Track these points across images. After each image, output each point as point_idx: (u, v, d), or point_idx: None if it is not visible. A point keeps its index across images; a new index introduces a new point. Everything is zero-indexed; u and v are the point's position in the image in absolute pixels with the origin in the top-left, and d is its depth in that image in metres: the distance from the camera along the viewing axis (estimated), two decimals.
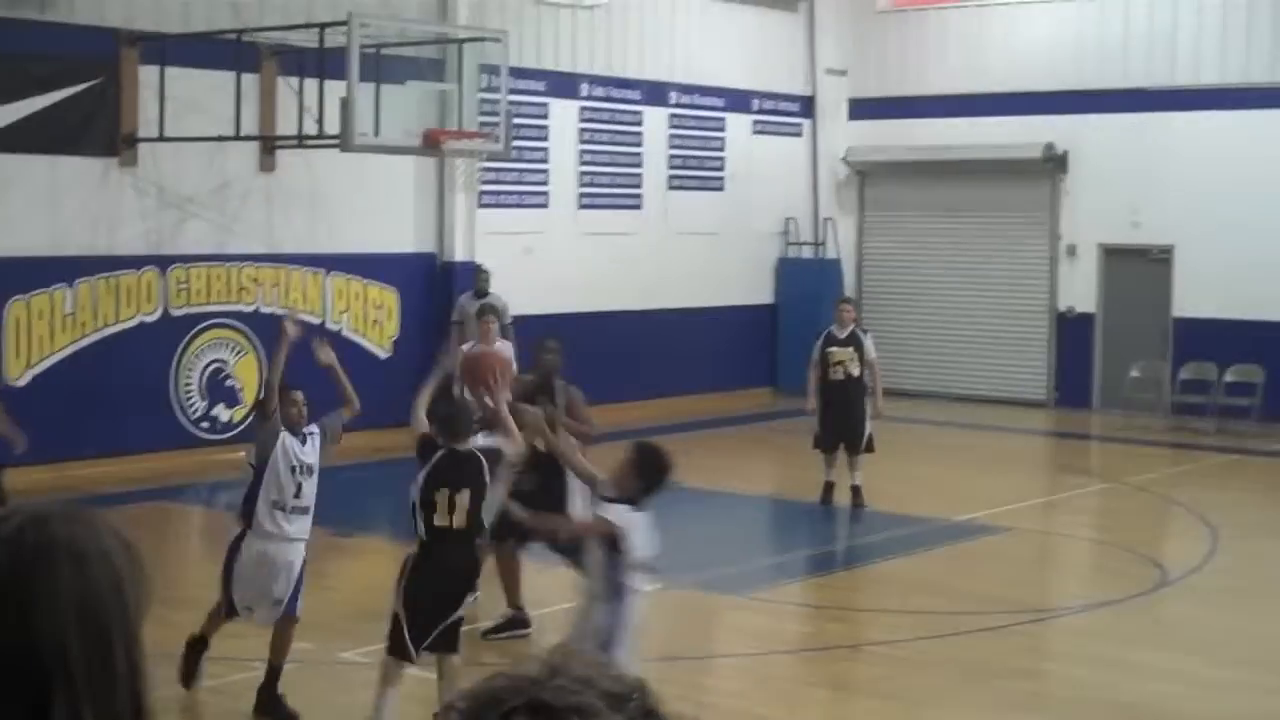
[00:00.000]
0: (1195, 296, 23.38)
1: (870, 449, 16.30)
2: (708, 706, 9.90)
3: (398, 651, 8.92)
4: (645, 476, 8.24)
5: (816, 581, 13.94)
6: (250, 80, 17.72)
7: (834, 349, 16.30)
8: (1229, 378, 22.59)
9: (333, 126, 16.06)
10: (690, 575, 13.27)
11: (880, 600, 12.99)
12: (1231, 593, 13.14)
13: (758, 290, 25.56)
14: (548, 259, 21.77)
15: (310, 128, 16.71)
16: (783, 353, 25.72)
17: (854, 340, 16.37)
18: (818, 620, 12.57)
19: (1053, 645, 11.98)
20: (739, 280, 25.13)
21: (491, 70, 18.91)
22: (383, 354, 19.91)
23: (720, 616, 12.39)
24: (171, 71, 17.36)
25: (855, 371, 16.25)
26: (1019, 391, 25.01)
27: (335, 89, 15.99)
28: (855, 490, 16.28)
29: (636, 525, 8.11)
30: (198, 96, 17.69)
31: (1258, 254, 22.71)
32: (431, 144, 16.72)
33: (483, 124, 18.31)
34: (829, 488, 16.39)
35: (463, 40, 18.92)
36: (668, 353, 23.41)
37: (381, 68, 17.03)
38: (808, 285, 25.64)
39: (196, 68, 17.66)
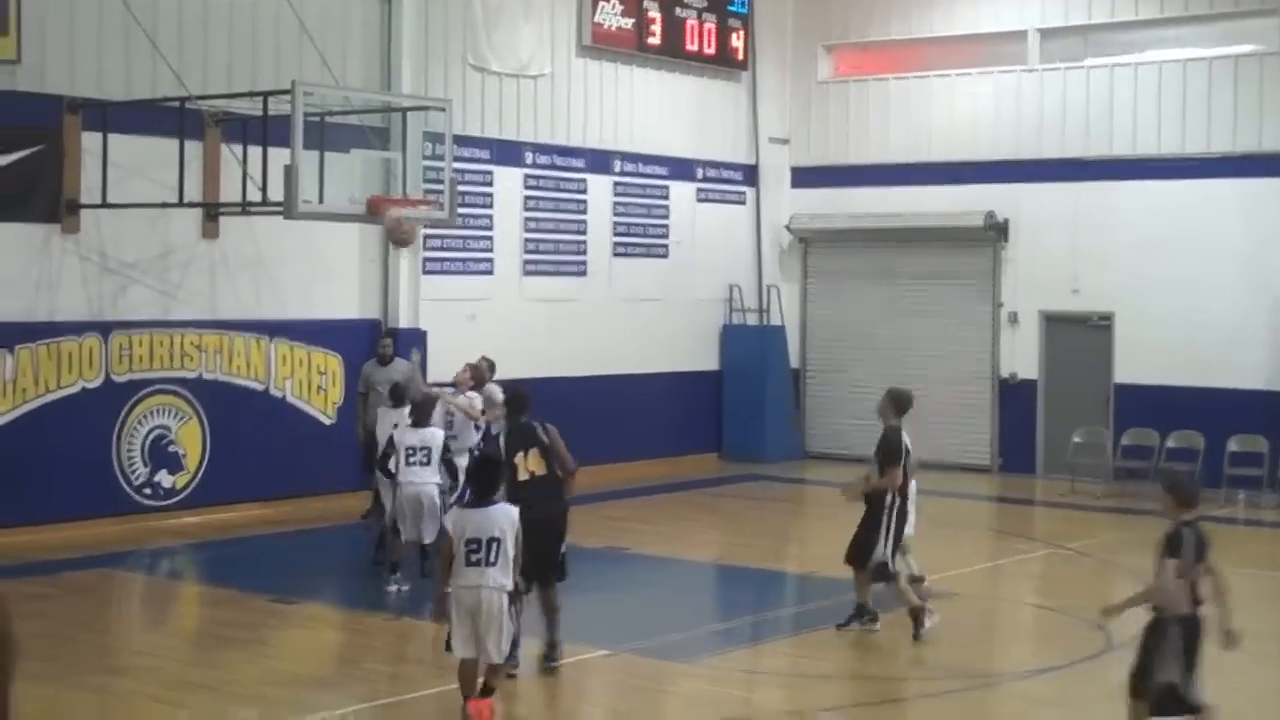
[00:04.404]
0: (1135, 363, 23.57)
1: None
2: None
3: None
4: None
5: (764, 648, 13.88)
6: (194, 147, 17.66)
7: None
8: (1170, 443, 22.74)
9: (276, 193, 16.00)
10: (637, 642, 13.20)
11: (828, 667, 12.94)
12: None
13: (702, 357, 25.61)
14: (492, 326, 21.74)
15: (254, 195, 16.65)
16: (728, 419, 25.79)
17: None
18: (766, 687, 12.50)
19: (1001, 711, 11.95)
20: (683, 347, 25.18)
21: (436, 138, 18.97)
22: (326, 420, 19.80)
23: (668, 684, 12.30)
24: (114, 138, 17.32)
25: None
26: (963, 457, 25.10)
27: (279, 156, 15.95)
28: None
29: None
30: (141, 163, 17.65)
31: (1195, 321, 22.95)
32: (375, 211, 16.65)
33: (427, 191, 18.31)
34: None
35: (406, 109, 18.97)
36: (612, 419, 23.37)
37: (325, 135, 17.03)
38: (752, 352, 25.74)
39: (139, 134, 17.63)
